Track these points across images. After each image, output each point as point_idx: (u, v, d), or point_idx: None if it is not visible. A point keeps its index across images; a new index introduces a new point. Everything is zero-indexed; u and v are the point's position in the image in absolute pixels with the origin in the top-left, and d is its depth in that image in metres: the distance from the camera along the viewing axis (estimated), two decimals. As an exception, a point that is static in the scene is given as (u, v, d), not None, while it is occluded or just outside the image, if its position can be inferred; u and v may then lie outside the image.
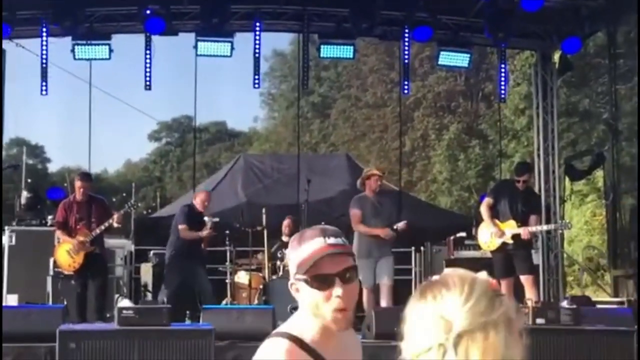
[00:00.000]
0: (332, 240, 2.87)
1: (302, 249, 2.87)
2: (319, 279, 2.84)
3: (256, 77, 16.02)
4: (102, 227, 12.29)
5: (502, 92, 17.59)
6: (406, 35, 15.93)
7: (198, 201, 13.43)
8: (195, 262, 13.13)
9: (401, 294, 15.93)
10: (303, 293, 2.88)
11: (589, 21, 15.74)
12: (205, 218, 13.21)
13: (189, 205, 13.79)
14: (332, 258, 2.84)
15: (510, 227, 12.01)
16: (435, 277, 2.09)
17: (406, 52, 16.34)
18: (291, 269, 2.93)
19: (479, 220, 13.17)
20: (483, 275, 2.09)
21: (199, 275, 13.16)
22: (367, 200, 12.76)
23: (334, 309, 2.85)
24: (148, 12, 14.56)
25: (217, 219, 13.18)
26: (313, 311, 2.88)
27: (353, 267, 2.89)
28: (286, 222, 14.43)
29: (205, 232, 13.03)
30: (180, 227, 13.15)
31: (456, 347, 1.93)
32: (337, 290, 2.82)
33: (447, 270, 2.11)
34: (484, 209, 12.35)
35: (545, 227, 13.30)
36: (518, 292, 11.80)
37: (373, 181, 12.85)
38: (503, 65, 17.04)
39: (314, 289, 2.84)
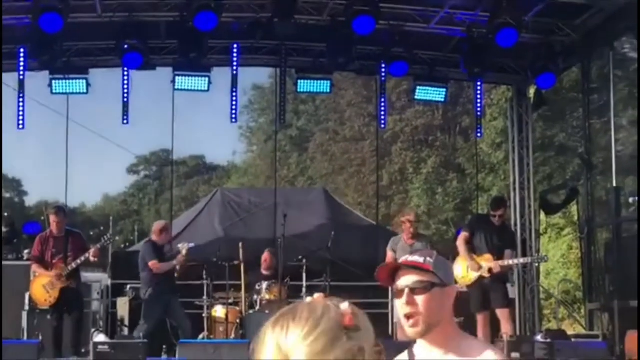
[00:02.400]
0: (411, 257, 3.34)
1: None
2: (397, 290, 3.30)
3: (233, 111, 16.10)
4: (79, 262, 12.27)
5: (479, 127, 17.76)
6: (383, 70, 16.05)
7: (155, 235, 13.36)
8: (171, 296, 13.10)
9: (378, 327, 15.93)
10: (396, 307, 3.42)
11: (563, 56, 15.89)
12: (179, 245, 13.15)
13: (149, 240, 13.71)
14: (405, 272, 3.28)
15: (487, 261, 12.09)
16: (295, 304, 2.09)
17: (383, 87, 16.46)
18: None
19: (455, 254, 13.25)
20: (345, 306, 2.08)
21: (176, 310, 13.11)
22: (399, 242, 12.93)
23: (402, 315, 3.27)
24: (126, 46, 14.59)
25: (192, 244, 13.10)
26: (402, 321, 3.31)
27: (424, 281, 3.24)
28: (265, 256, 14.41)
29: (179, 258, 12.93)
30: (151, 263, 13.02)
31: None
32: (403, 299, 3.22)
33: (314, 297, 2.11)
34: (460, 243, 12.43)
35: (521, 260, 13.38)
36: (494, 326, 11.86)
37: (406, 227, 12.98)
38: (479, 101, 17.18)
39: (396, 299, 3.32)
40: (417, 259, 3.31)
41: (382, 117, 16.98)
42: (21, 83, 14.97)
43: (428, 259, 3.30)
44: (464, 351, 3.26)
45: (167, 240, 13.48)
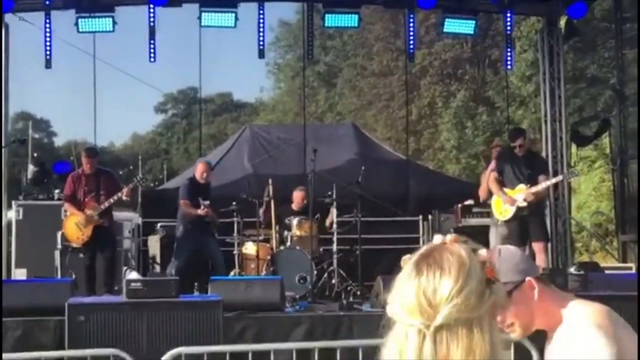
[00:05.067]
0: None
1: None
2: None
3: (261, 47, 15.95)
4: (111, 201, 12.33)
5: (509, 59, 17.47)
6: (411, 2, 15.83)
7: (199, 173, 13.41)
8: (206, 233, 13.18)
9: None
10: None
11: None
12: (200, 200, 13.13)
13: (190, 178, 13.78)
14: None
15: (521, 192, 12.02)
16: (435, 245, 2.02)
17: (411, 20, 16.25)
18: None
19: (482, 188, 13.28)
20: (482, 253, 2.03)
21: (211, 247, 13.20)
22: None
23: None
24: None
25: (207, 202, 13.07)
26: None
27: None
28: (296, 194, 14.35)
29: (199, 211, 12.96)
30: (181, 201, 13.15)
31: (435, 338, 1.90)
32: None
33: (450, 240, 2.04)
34: (491, 183, 12.41)
35: (552, 181, 13.18)
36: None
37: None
38: (509, 32, 16.93)
39: None
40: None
41: (411, 50, 16.79)
42: (47, 21, 14.90)
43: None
44: (568, 329, 3.12)
45: (207, 180, 13.49)
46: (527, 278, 3.13)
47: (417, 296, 1.94)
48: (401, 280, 2.00)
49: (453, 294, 1.91)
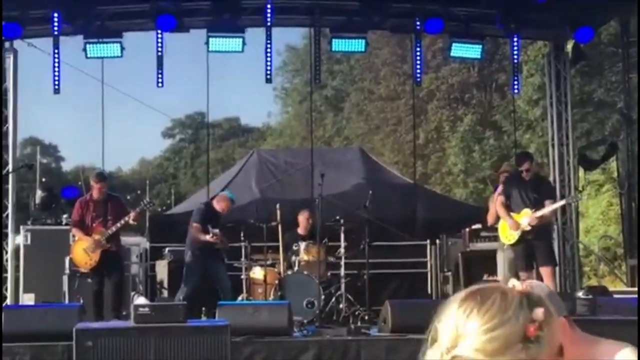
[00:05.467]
0: None
1: None
2: None
3: (268, 72, 15.99)
4: (119, 225, 12.35)
5: (516, 83, 17.49)
6: (418, 27, 15.87)
7: (220, 206, 13.50)
8: (215, 258, 13.21)
9: (416, 286, 15.95)
10: None
11: (602, 10, 15.65)
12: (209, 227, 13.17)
13: (206, 204, 13.83)
14: None
15: (526, 216, 12.03)
16: (496, 285, 2.02)
17: (418, 45, 16.29)
18: None
19: (490, 213, 13.28)
20: (538, 313, 2.00)
21: (219, 272, 13.23)
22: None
23: None
24: (159, 9, 14.55)
25: (216, 230, 13.13)
26: None
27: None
28: (302, 217, 14.38)
29: (208, 237, 13.02)
30: (194, 224, 13.21)
31: None
32: None
33: (515, 285, 2.04)
34: (499, 207, 12.42)
35: (555, 205, 13.16)
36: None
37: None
38: (516, 57, 16.96)
39: None
40: None
41: (418, 74, 16.82)
42: (56, 48, 14.98)
43: None
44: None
45: (224, 212, 13.54)
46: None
47: (451, 319, 1.95)
48: (447, 304, 2.01)
49: (479, 331, 1.91)
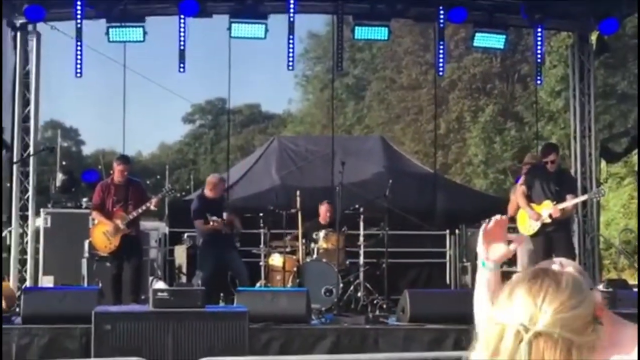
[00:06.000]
0: None
1: None
2: None
3: (290, 59, 15.95)
4: (140, 211, 12.36)
5: (539, 74, 17.39)
6: (441, 16, 15.79)
7: (212, 192, 13.35)
8: (226, 246, 13.13)
9: (435, 276, 15.92)
10: None
11: (627, 1, 15.52)
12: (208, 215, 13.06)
13: (199, 196, 13.77)
14: None
15: (546, 208, 11.95)
16: (555, 266, 2.01)
17: (441, 34, 16.20)
18: None
19: (511, 204, 13.19)
20: (597, 295, 2.03)
21: (232, 259, 13.17)
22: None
23: None
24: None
25: (214, 217, 13.00)
26: None
27: None
28: (323, 208, 14.35)
29: (209, 226, 12.91)
30: (195, 222, 13.14)
31: (532, 342, 1.87)
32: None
33: (566, 263, 2.04)
34: (519, 197, 12.32)
35: (579, 199, 13.08)
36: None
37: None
38: (539, 47, 16.85)
39: None
40: None
41: (441, 65, 16.74)
42: (78, 31, 14.98)
43: None
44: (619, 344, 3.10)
45: (217, 194, 13.46)
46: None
47: (525, 298, 1.93)
48: (511, 285, 1.99)
49: (562, 308, 1.90)
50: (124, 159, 13.24)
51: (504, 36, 16.08)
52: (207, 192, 13.42)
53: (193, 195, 22.79)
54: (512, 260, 13.46)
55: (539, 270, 1.99)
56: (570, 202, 12.14)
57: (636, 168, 22.88)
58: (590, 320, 1.94)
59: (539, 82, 18.13)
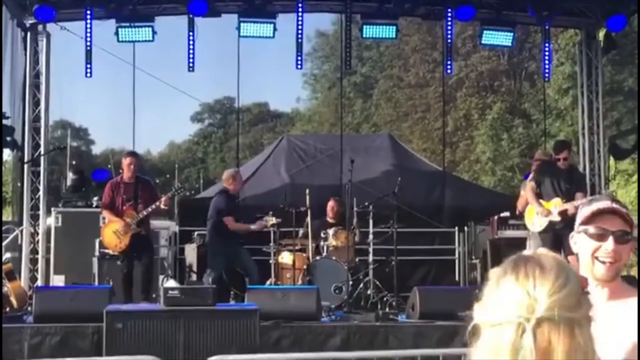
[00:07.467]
0: (617, 205, 3.31)
1: (591, 207, 3.34)
2: (597, 231, 3.29)
3: (298, 58, 16.00)
4: (150, 209, 12.39)
5: (547, 71, 17.40)
6: (449, 14, 15.83)
7: (234, 186, 13.44)
8: (235, 247, 13.15)
9: (444, 273, 15.96)
10: (580, 243, 3.38)
11: (634, -2, 15.53)
12: (266, 217, 13.14)
13: (223, 190, 13.78)
14: (613, 217, 3.28)
15: (556, 205, 11.94)
16: (527, 253, 2.05)
17: (449, 32, 16.25)
18: (577, 223, 3.42)
19: (520, 200, 13.19)
20: (573, 263, 2.09)
21: (242, 257, 13.20)
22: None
23: (601, 258, 3.29)
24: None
25: (274, 221, 13.12)
26: (585, 260, 3.37)
27: (628, 232, 3.28)
28: (330, 205, 14.41)
29: (261, 224, 13.04)
30: (226, 219, 13.09)
31: (535, 331, 1.90)
32: (609, 244, 3.25)
33: (541, 250, 2.07)
34: (528, 192, 12.29)
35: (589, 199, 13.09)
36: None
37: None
38: (547, 44, 16.88)
39: (592, 240, 3.31)
40: (622, 209, 3.34)
41: (448, 63, 16.78)
42: (88, 31, 15.05)
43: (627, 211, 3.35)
44: (625, 295, 3.33)
45: (238, 186, 13.58)
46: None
47: (516, 291, 1.95)
48: (494, 281, 2.01)
49: (555, 289, 1.92)
50: (132, 153, 13.28)
51: (512, 33, 16.13)
52: (229, 187, 13.45)
53: (203, 194, 22.81)
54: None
55: (517, 260, 2.02)
56: (582, 201, 12.13)
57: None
58: (580, 294, 1.97)
59: (547, 77, 18.06)
